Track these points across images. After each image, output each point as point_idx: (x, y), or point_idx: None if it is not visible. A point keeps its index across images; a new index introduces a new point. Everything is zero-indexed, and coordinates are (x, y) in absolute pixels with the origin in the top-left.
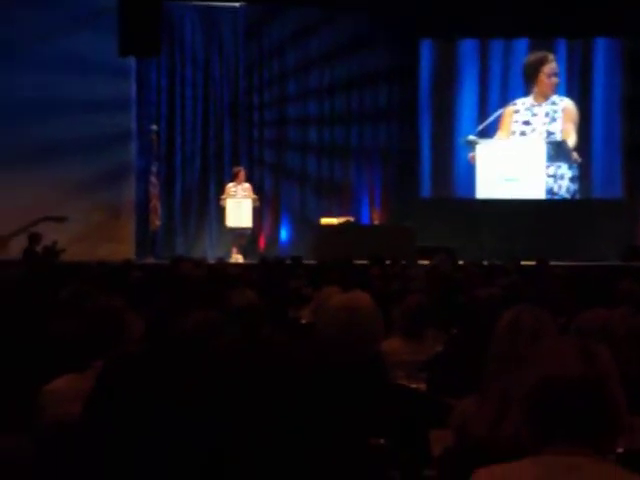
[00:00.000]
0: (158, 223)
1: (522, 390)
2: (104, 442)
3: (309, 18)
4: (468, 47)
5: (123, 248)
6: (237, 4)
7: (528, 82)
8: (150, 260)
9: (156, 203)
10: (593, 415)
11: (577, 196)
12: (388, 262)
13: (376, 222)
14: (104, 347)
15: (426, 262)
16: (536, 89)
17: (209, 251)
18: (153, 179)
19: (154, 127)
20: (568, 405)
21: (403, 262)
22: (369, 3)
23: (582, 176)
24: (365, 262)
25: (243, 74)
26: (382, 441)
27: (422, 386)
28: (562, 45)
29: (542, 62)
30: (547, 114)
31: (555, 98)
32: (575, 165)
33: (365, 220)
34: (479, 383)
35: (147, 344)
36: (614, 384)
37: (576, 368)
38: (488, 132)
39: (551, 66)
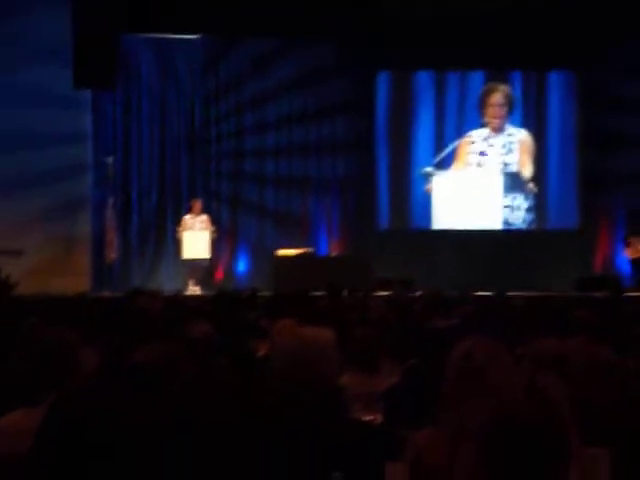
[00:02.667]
0: (114, 256)
1: (472, 431)
2: (52, 478)
3: (266, 50)
4: (425, 79)
5: (78, 281)
6: (193, 36)
7: (480, 113)
8: (106, 293)
9: (112, 235)
10: (543, 457)
11: (533, 227)
12: (346, 293)
13: (334, 253)
14: (56, 381)
15: (384, 293)
16: (485, 119)
17: (166, 283)
18: (109, 211)
19: (110, 159)
20: (518, 449)
21: (361, 293)
22: (327, 35)
23: (538, 207)
24: (323, 293)
25: (200, 106)
26: (338, 475)
27: (378, 418)
28: (517, 77)
29: (487, 93)
30: (504, 145)
31: (511, 130)
32: (531, 196)
33: (323, 251)
34: (436, 414)
35: (101, 377)
36: (565, 421)
37: (525, 410)
38: (445, 164)
39: (496, 96)
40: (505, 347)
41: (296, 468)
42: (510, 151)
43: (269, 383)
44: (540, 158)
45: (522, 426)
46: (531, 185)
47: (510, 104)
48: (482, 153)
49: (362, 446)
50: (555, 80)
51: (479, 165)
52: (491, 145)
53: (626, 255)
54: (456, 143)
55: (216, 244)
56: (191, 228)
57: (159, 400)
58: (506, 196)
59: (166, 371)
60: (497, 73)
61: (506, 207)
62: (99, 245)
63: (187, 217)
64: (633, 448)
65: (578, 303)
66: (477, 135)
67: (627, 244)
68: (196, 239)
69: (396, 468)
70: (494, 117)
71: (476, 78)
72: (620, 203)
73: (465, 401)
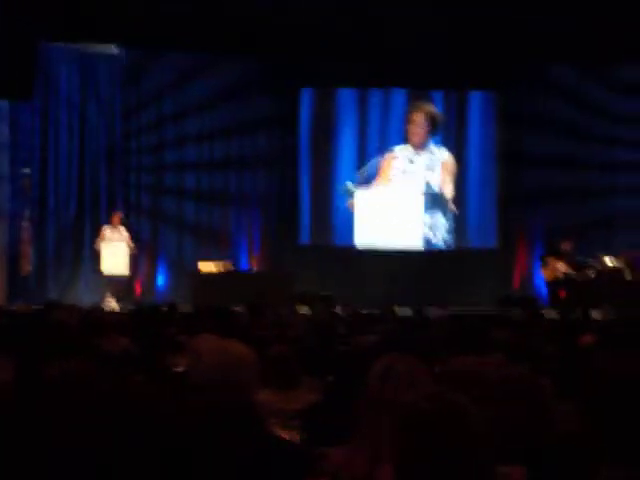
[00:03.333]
0: (29, 268)
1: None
2: None
3: (188, 64)
4: (347, 96)
5: None
6: (115, 49)
7: (404, 130)
8: (20, 306)
9: (27, 248)
10: (453, 471)
11: (452, 246)
12: (266, 309)
13: (255, 268)
14: None
15: (305, 309)
16: (408, 137)
17: (83, 297)
18: (25, 223)
19: (27, 170)
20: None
21: (281, 309)
22: (250, 50)
23: (458, 226)
24: (242, 309)
25: (120, 119)
26: None
27: (295, 435)
28: (439, 96)
29: (411, 111)
30: (426, 165)
31: (434, 149)
32: (451, 215)
33: (244, 266)
34: (354, 432)
35: (14, 392)
36: (475, 435)
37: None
38: (367, 180)
39: (419, 115)
40: (423, 364)
41: None
42: (432, 170)
43: (186, 397)
44: (460, 177)
45: (431, 438)
46: (451, 205)
47: (433, 123)
48: (405, 170)
49: (279, 462)
50: (476, 99)
51: (401, 181)
52: (413, 162)
53: (543, 275)
54: (379, 159)
55: (135, 258)
56: (110, 239)
57: (72, 415)
58: (427, 215)
59: (80, 386)
60: (419, 92)
61: (427, 226)
62: (14, 257)
63: (105, 227)
64: (548, 466)
65: (495, 322)
66: (400, 151)
67: (543, 264)
68: (115, 252)
69: None
70: (416, 135)
71: (398, 95)
72: (538, 223)
73: (382, 419)
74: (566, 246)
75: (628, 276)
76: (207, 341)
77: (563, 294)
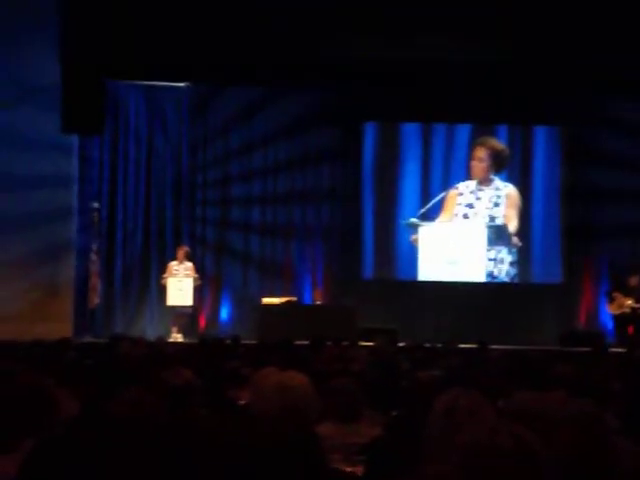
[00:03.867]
0: (97, 301)
1: None
2: None
3: (254, 98)
4: (411, 131)
5: (61, 327)
6: (182, 84)
7: (467, 166)
8: (88, 339)
9: (95, 281)
10: None
11: (516, 280)
12: (329, 343)
13: (318, 302)
14: (32, 427)
15: (368, 343)
16: (472, 172)
17: (148, 329)
18: (93, 256)
19: (95, 204)
20: None
21: (344, 343)
22: (314, 84)
23: (522, 260)
24: (306, 342)
25: (187, 153)
26: None
27: (358, 470)
28: (503, 131)
29: (473, 146)
30: (490, 199)
31: (499, 184)
32: (515, 250)
33: (307, 300)
34: (418, 467)
35: (79, 425)
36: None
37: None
38: (431, 215)
39: (477, 151)
40: (487, 400)
41: None
42: (497, 205)
43: (249, 430)
44: (525, 212)
45: (497, 474)
46: (515, 239)
47: (496, 160)
48: (469, 205)
49: None
50: (541, 134)
51: (465, 216)
52: (478, 198)
53: (609, 310)
54: (443, 194)
55: (200, 291)
56: (176, 275)
57: (137, 449)
58: (490, 249)
59: (144, 420)
60: (483, 126)
61: (490, 260)
62: (82, 290)
63: (172, 263)
64: None
65: (559, 358)
66: (465, 187)
67: (610, 299)
68: (180, 286)
69: None
70: (480, 171)
71: (463, 130)
72: (604, 258)
73: (450, 449)
74: (633, 281)
75: None
76: (269, 374)
77: (631, 330)
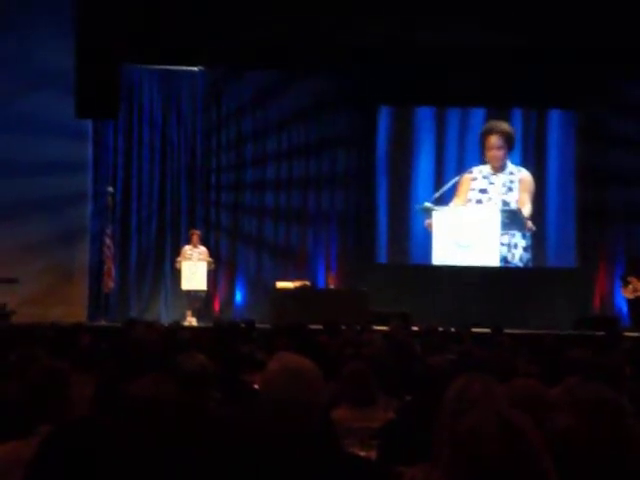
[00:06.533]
0: (111, 285)
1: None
2: None
3: (268, 82)
4: (425, 115)
5: (75, 310)
6: (196, 68)
7: (481, 151)
8: (102, 322)
9: (110, 265)
10: None
11: (530, 265)
12: (343, 327)
13: (332, 286)
14: (48, 412)
15: (381, 327)
16: (486, 159)
17: (163, 313)
18: (108, 241)
19: (110, 189)
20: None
21: (358, 327)
22: (329, 69)
23: (536, 245)
24: (320, 327)
25: (201, 137)
26: None
27: (373, 454)
28: (517, 115)
29: (487, 134)
30: (504, 184)
31: (512, 168)
32: (529, 234)
33: (321, 284)
34: (431, 451)
35: (94, 409)
36: (537, 457)
37: (494, 443)
38: (444, 199)
39: (494, 138)
40: (500, 384)
41: None
42: (510, 190)
43: (259, 413)
44: (538, 196)
45: (492, 456)
46: (529, 223)
47: (509, 143)
48: (483, 190)
49: None
50: (555, 118)
51: (479, 201)
52: (492, 183)
53: (623, 295)
54: (457, 178)
55: (214, 275)
56: (190, 258)
57: (153, 432)
58: (504, 234)
59: (159, 404)
60: (497, 110)
61: (504, 245)
62: (97, 275)
63: (186, 247)
64: None
65: (574, 342)
66: (478, 171)
67: (625, 283)
68: (194, 270)
69: None
70: (493, 159)
71: (477, 114)
72: (619, 242)
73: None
74: None
75: None
76: (275, 358)
77: None
